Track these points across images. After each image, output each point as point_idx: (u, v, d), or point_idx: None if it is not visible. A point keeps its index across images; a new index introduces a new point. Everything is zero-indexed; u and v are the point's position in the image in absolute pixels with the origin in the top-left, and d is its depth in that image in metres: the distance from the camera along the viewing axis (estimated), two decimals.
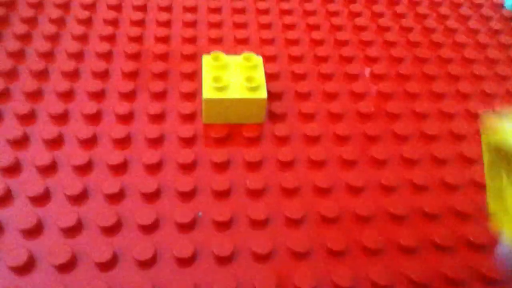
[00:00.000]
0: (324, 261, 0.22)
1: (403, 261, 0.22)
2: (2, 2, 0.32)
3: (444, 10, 0.37)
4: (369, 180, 0.25)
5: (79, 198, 0.23)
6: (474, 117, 0.29)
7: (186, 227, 0.22)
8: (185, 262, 0.21)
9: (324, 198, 0.24)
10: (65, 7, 0.33)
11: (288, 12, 0.35)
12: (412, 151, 0.26)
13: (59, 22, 0.32)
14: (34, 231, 0.21)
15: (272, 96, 0.28)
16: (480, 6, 0.38)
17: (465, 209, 0.24)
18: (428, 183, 0.25)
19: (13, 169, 0.24)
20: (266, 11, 0.35)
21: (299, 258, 0.22)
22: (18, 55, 0.29)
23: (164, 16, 0.33)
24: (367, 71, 0.31)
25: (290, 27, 0.34)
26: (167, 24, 0.33)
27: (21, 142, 0.25)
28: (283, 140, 0.27)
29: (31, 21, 0.31)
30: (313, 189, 0.24)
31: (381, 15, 0.36)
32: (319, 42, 0.33)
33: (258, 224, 0.23)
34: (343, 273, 0.21)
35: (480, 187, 0.25)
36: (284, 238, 0.22)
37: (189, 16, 0.33)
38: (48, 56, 0.29)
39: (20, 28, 0.30)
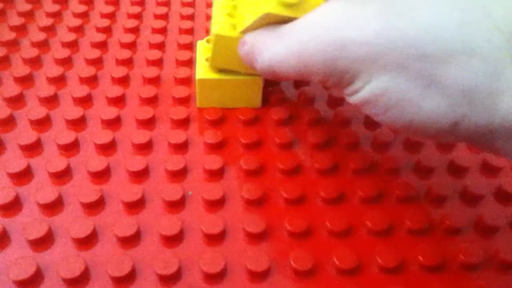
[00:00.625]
0: (325, 242, 0.20)
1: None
2: None
3: None
4: (372, 162, 0.24)
5: (62, 174, 0.22)
6: None
7: (175, 206, 0.21)
8: (172, 239, 0.20)
9: (324, 179, 0.23)
10: (57, 15, 0.33)
11: None
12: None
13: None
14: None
15: (270, 83, 0.27)
16: None
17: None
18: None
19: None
20: None
21: (296, 237, 0.20)
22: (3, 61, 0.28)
23: (161, 10, 0.33)
24: None
25: None
26: (164, 16, 0.32)
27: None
28: (280, 123, 0.25)
29: (20, 29, 0.31)
30: (312, 170, 0.23)
31: None
32: None
33: (252, 204, 0.21)
34: (343, 253, 0.19)
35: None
36: (281, 218, 0.21)
37: (186, 10, 0.33)
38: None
39: (8, 35, 0.29)
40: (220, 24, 0.22)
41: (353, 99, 0.17)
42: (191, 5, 0.34)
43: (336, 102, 0.27)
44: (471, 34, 0.14)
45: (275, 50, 0.19)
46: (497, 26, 0.14)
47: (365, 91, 0.16)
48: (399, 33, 0.15)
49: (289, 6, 0.19)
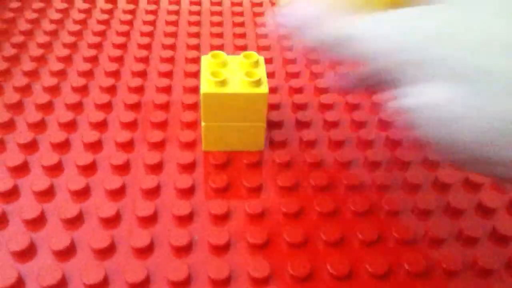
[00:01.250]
0: (326, 285, 0.21)
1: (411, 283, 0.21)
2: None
3: None
4: (372, 204, 0.24)
5: (75, 220, 0.22)
6: None
7: (182, 251, 0.22)
8: (180, 285, 0.20)
9: (326, 222, 0.23)
10: (68, 60, 0.34)
11: (289, 48, 0.36)
12: (416, 176, 0.26)
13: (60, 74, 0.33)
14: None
15: (272, 124, 0.29)
16: None
17: (473, 234, 0.23)
18: (432, 207, 0.24)
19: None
20: (267, 47, 0.36)
21: (300, 282, 0.21)
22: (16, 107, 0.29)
23: (167, 53, 0.34)
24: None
25: (291, 61, 0.34)
26: (170, 60, 0.34)
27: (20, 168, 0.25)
28: (283, 166, 0.26)
29: (33, 74, 0.32)
30: (315, 214, 0.24)
31: None
32: (319, 75, 0.33)
33: (257, 248, 0.22)
34: None
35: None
36: (284, 262, 0.21)
37: (192, 53, 0.34)
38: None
39: (20, 81, 0.31)
40: (206, 84, 0.24)
41: (407, 102, 0.15)
42: (196, 48, 0.35)
43: (337, 145, 0.28)
44: None
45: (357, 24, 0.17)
46: None
47: (430, 96, 0.15)
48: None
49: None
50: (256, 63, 0.25)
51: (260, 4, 0.41)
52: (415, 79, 0.15)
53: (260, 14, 0.40)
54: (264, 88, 0.24)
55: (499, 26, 0.14)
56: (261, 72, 0.25)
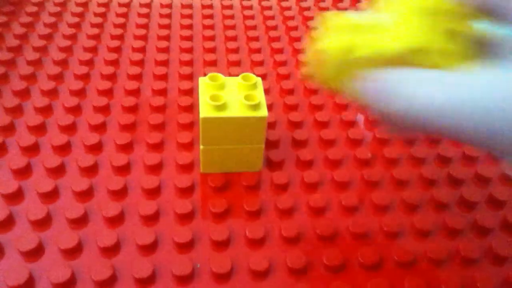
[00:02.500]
0: None
1: None
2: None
3: None
4: (371, 226, 0.25)
5: (73, 251, 0.22)
6: (470, 160, 0.29)
7: (185, 280, 0.22)
8: None
9: (326, 246, 0.24)
10: (59, 77, 0.34)
11: (283, 63, 0.36)
12: (413, 196, 0.26)
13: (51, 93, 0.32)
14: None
15: (269, 143, 0.29)
16: None
17: (469, 254, 0.23)
18: (431, 227, 0.25)
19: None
20: (261, 63, 0.36)
21: None
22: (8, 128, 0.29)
23: (160, 70, 0.34)
24: (359, 118, 0.31)
25: (286, 76, 0.34)
26: (163, 77, 0.33)
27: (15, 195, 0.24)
28: (281, 188, 0.26)
29: (23, 93, 0.32)
30: (314, 237, 0.24)
31: None
32: (313, 91, 0.33)
33: (259, 274, 0.22)
34: None
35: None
36: None
37: (185, 69, 0.34)
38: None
39: (11, 101, 0.31)
40: (205, 107, 0.24)
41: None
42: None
43: (334, 164, 0.28)
44: None
45: (433, 96, 0.15)
46: None
47: None
48: None
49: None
50: (255, 85, 0.25)
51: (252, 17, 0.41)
52: None
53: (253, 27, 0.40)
54: (263, 111, 0.24)
55: None
56: (260, 94, 0.25)
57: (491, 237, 0.25)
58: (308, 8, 0.43)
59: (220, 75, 0.25)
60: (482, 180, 0.28)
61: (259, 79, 0.26)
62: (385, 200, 0.26)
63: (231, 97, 0.25)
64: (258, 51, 0.37)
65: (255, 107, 0.24)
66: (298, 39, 0.39)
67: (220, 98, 0.24)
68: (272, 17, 0.41)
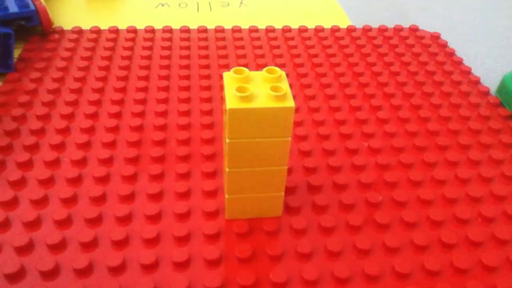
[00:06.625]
0: None
1: None
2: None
3: (434, 99, 0.40)
4: (384, 268, 0.27)
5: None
6: (474, 200, 0.31)
7: None
8: None
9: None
10: (66, 131, 0.37)
11: (296, 110, 0.38)
12: (422, 238, 0.28)
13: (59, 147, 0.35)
14: None
15: (286, 189, 0.31)
16: (467, 93, 0.42)
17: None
18: (439, 267, 0.27)
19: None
20: None
21: None
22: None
23: (183, 121, 0.36)
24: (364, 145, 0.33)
25: (299, 123, 0.37)
26: (187, 127, 0.36)
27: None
28: (299, 232, 0.29)
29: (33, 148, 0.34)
30: (332, 280, 0.26)
31: (372, 96, 0.40)
32: (325, 137, 0.36)
33: None
34: None
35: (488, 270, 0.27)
36: None
37: (206, 119, 0.37)
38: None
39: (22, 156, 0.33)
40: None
41: None
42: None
43: (347, 208, 0.30)
44: None
45: None
46: None
47: None
48: None
49: None
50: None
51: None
52: None
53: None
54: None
55: None
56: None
57: None
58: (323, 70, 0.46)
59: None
60: None
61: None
62: (395, 243, 0.28)
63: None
64: None
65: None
66: (312, 98, 0.41)
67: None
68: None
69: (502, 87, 0.42)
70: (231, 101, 0.24)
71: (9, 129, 0.35)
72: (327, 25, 0.51)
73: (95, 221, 0.28)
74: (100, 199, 0.30)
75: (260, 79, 0.26)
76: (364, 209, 0.30)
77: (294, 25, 0.51)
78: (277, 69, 0.26)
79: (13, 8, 0.44)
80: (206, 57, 0.45)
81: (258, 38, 0.48)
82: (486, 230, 0.29)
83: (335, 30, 0.50)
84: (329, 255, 0.27)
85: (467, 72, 0.45)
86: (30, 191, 0.30)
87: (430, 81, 0.43)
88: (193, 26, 0.50)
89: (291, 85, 0.41)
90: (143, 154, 0.34)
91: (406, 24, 0.52)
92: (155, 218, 0.29)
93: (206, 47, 0.46)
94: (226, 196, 0.28)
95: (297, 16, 0.54)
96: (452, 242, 0.28)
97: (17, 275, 0.25)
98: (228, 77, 0.25)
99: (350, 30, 0.50)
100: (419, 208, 0.31)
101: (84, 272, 0.26)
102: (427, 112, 0.39)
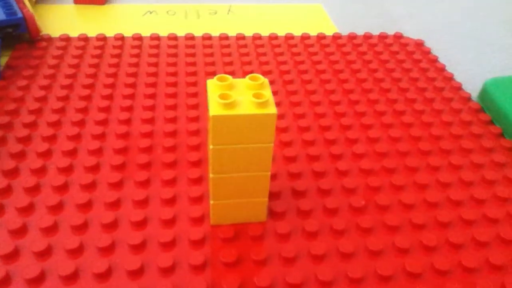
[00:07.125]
0: None
1: None
2: None
3: (417, 105, 0.41)
4: (366, 271, 0.27)
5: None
6: (454, 204, 0.32)
7: None
8: None
9: None
10: (53, 138, 0.37)
11: (281, 116, 0.39)
12: (404, 241, 0.29)
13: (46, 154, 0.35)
14: None
15: (271, 194, 0.31)
16: (450, 99, 0.43)
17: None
18: (421, 270, 0.27)
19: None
20: None
21: None
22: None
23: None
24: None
25: (284, 129, 0.38)
26: (173, 133, 0.37)
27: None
28: (284, 237, 0.29)
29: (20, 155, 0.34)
30: (316, 283, 0.26)
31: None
32: (310, 143, 0.36)
33: None
34: None
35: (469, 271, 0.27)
36: None
37: (193, 125, 0.37)
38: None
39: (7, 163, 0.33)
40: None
41: None
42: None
43: (331, 212, 0.31)
44: None
45: None
46: None
47: None
48: None
49: None
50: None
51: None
52: None
53: None
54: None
55: None
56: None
57: None
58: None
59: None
60: None
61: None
62: (378, 246, 0.28)
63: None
64: None
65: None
66: (298, 104, 0.42)
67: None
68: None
69: (483, 93, 0.43)
70: (214, 107, 0.24)
71: None
72: (314, 32, 0.52)
73: (81, 228, 0.29)
74: (86, 206, 0.30)
75: (243, 86, 0.26)
76: (347, 213, 0.31)
77: (281, 33, 0.52)
78: (260, 76, 0.26)
79: (0, 15, 0.44)
80: (193, 64, 0.45)
81: (245, 46, 0.49)
82: (467, 233, 0.30)
83: (321, 37, 0.51)
84: (313, 258, 0.28)
85: (449, 78, 0.46)
86: (15, 198, 0.30)
87: (413, 87, 0.44)
88: (181, 33, 0.51)
89: (276, 92, 0.42)
90: (130, 161, 0.34)
91: (392, 32, 0.53)
92: (141, 224, 0.29)
93: (193, 55, 0.47)
94: (211, 202, 0.28)
95: (284, 24, 0.55)
96: (433, 245, 0.29)
97: (3, 282, 0.25)
98: (212, 84, 0.26)
99: (336, 37, 0.51)
100: (402, 212, 0.31)
101: (70, 278, 0.26)
102: (410, 117, 0.40)
